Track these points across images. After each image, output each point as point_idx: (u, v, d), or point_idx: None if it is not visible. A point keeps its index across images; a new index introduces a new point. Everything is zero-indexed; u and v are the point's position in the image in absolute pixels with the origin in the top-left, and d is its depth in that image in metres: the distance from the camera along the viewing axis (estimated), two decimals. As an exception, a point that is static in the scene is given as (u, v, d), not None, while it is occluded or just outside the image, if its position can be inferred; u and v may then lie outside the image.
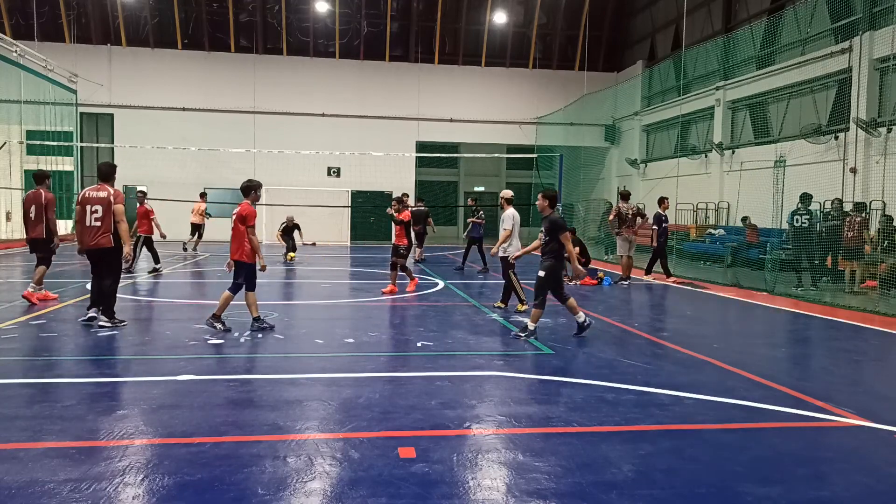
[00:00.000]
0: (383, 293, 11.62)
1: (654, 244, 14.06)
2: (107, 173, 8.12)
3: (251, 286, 7.86)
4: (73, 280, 12.70)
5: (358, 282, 14.41)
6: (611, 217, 14.36)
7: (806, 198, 13.13)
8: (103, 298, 7.92)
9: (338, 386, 5.69)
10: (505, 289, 10.05)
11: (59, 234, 9.98)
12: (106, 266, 7.95)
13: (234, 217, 7.72)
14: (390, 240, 16.74)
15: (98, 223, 7.78)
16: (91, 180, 26.78)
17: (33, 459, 3.90)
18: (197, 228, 19.85)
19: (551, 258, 7.67)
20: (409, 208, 13.45)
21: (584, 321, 7.86)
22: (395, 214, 12.12)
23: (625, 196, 14.37)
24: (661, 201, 14.41)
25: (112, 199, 7.85)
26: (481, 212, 17.01)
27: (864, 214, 12.54)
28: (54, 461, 3.88)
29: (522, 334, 7.74)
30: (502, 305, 10.02)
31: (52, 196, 9.77)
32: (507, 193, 10.14)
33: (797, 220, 13.02)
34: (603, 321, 9.18)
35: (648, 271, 14.57)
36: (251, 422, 4.66)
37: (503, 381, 5.94)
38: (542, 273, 7.68)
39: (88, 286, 8.53)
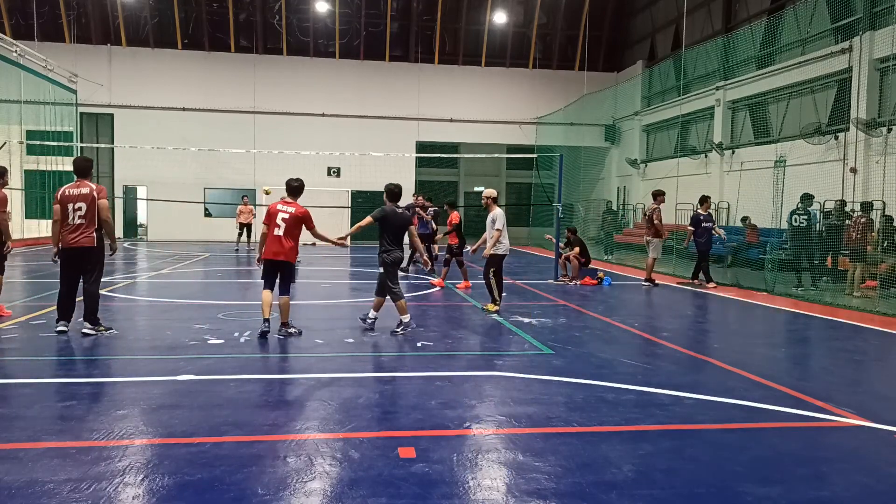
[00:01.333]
0: (458, 288, 12.36)
1: (691, 246, 13.71)
2: (85, 168, 7.57)
3: (288, 289, 7.70)
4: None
5: (358, 282, 14.40)
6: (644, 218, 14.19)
7: (806, 198, 13.10)
8: (88, 303, 7.45)
9: (338, 386, 5.69)
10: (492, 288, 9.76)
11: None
12: (89, 268, 7.46)
13: (285, 217, 7.49)
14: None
15: (82, 220, 7.30)
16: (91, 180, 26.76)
17: (33, 459, 3.90)
18: (245, 227, 21.65)
19: (384, 251, 7.97)
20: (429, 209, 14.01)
21: (407, 322, 7.95)
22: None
23: (653, 195, 13.95)
24: (703, 200, 13.87)
25: (96, 194, 7.38)
26: (430, 210, 16.20)
27: (869, 215, 12.43)
28: (54, 461, 3.88)
29: (399, 329, 7.90)
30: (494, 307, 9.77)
31: (4, 194, 8.73)
32: (492, 192, 9.98)
33: (795, 219, 13.01)
34: (603, 321, 9.18)
35: (695, 276, 13.65)
36: (251, 422, 4.66)
37: (503, 381, 5.94)
38: (381, 270, 8.02)
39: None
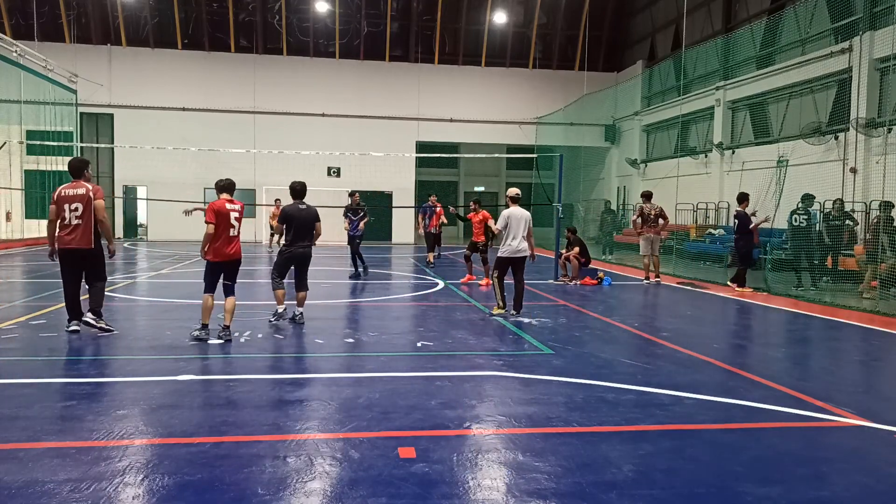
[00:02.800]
0: (480, 285, 12.89)
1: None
2: (79, 168, 7.61)
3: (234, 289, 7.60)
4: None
5: (358, 282, 14.39)
6: (634, 217, 14.22)
7: (807, 198, 13.07)
8: (93, 300, 7.55)
9: (338, 386, 5.69)
10: (519, 293, 9.54)
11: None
12: (90, 268, 7.54)
13: (237, 216, 7.42)
14: (390, 239, 16.59)
15: (78, 221, 7.28)
16: (91, 181, 26.75)
17: (33, 459, 3.90)
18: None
19: (286, 246, 8.44)
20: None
21: (280, 312, 8.43)
22: (469, 215, 13.75)
23: (647, 196, 14.10)
24: (744, 198, 13.25)
25: (91, 194, 7.37)
26: (360, 210, 14.61)
27: (889, 213, 12.12)
28: (54, 461, 3.88)
29: (273, 318, 8.38)
30: (513, 312, 9.50)
31: None
32: (509, 192, 9.85)
33: (795, 219, 12.98)
34: (603, 321, 9.18)
35: (740, 281, 12.73)
36: (251, 422, 4.66)
37: (503, 381, 5.94)
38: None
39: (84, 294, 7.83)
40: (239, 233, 7.49)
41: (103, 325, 7.57)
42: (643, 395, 5.48)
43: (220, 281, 7.47)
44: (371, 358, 6.81)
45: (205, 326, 7.28)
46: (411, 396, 5.33)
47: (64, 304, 7.69)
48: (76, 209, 7.31)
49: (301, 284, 8.59)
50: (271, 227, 21.58)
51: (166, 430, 4.47)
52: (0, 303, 9.79)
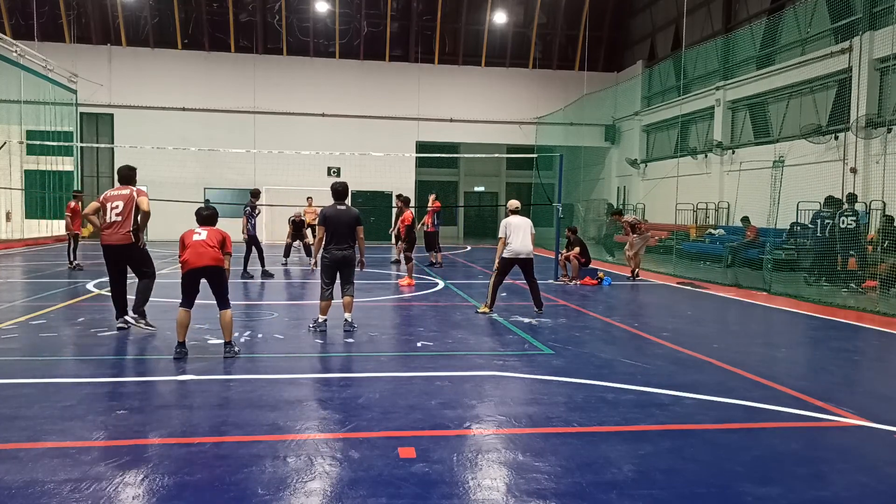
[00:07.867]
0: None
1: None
2: (128, 176, 7.92)
3: (228, 301, 6.84)
4: (77, 280, 12.68)
5: (357, 282, 14.36)
6: (632, 237, 14.70)
7: (852, 198, 13.08)
8: (137, 295, 7.86)
9: (338, 386, 5.69)
10: (533, 293, 9.63)
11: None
12: (135, 265, 7.83)
13: (201, 237, 6.61)
14: (390, 240, 16.67)
15: (118, 218, 7.56)
16: (91, 180, 26.86)
17: (33, 459, 3.91)
18: (311, 228, 19.94)
19: (325, 249, 8.05)
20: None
21: (320, 322, 8.07)
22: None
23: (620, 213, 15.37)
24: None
25: (135, 193, 7.72)
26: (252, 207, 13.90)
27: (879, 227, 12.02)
28: (54, 461, 3.88)
29: (312, 325, 8.15)
30: (536, 310, 9.59)
31: None
32: (510, 204, 9.95)
33: (843, 221, 12.54)
34: (603, 321, 9.18)
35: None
36: (251, 422, 4.66)
37: (503, 381, 5.94)
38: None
39: (106, 291, 8.01)
40: (210, 239, 6.60)
41: (143, 326, 7.84)
42: (643, 395, 5.48)
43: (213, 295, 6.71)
44: (371, 358, 6.81)
45: (181, 345, 6.50)
46: (411, 396, 5.33)
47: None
48: (116, 206, 7.60)
49: (345, 289, 8.25)
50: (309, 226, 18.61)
51: (166, 430, 4.47)
52: (0, 303, 9.79)
